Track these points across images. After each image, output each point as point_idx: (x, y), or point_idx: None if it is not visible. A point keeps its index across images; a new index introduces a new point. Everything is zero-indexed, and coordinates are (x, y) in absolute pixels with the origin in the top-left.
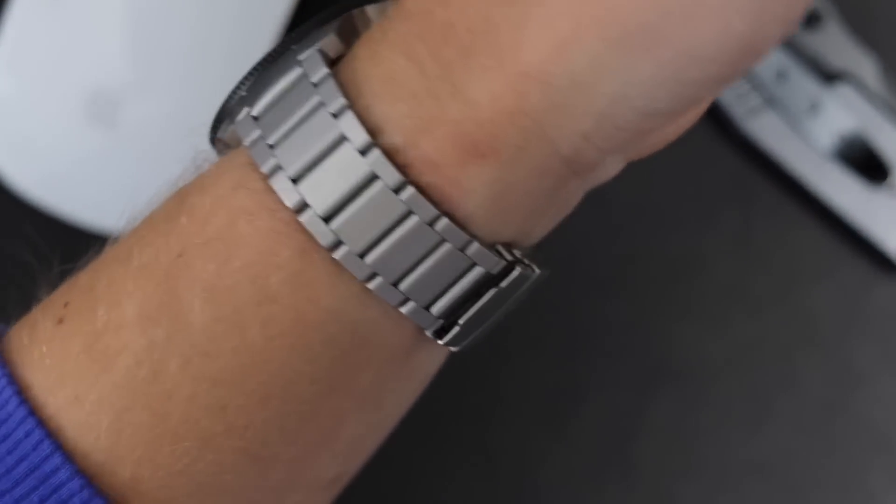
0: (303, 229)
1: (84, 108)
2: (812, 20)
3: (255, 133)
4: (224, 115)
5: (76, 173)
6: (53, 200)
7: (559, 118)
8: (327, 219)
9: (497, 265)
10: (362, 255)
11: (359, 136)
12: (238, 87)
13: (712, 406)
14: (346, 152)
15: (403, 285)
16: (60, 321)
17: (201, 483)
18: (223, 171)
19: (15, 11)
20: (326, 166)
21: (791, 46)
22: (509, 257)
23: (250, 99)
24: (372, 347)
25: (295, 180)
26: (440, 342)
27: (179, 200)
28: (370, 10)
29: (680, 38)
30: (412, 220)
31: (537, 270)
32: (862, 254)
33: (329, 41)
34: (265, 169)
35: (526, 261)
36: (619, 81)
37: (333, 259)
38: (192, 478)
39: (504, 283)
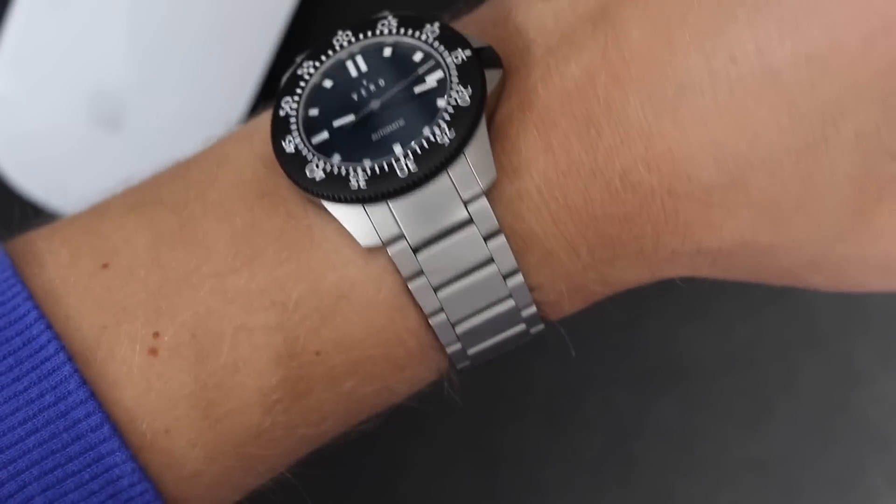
0: (444, 355)
1: (87, 108)
2: None
3: (414, 267)
4: (349, 199)
5: (79, 174)
6: (56, 201)
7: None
8: (466, 347)
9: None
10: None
11: (525, 300)
12: (385, 175)
13: (712, 406)
14: (507, 310)
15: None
16: (153, 352)
17: (241, 492)
18: (374, 292)
19: (17, 11)
20: (485, 316)
21: None
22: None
23: (408, 226)
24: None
25: (454, 324)
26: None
27: (315, 296)
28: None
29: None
30: (520, 335)
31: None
32: None
33: (491, 180)
34: (427, 310)
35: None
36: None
37: (451, 363)
38: (241, 492)
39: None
